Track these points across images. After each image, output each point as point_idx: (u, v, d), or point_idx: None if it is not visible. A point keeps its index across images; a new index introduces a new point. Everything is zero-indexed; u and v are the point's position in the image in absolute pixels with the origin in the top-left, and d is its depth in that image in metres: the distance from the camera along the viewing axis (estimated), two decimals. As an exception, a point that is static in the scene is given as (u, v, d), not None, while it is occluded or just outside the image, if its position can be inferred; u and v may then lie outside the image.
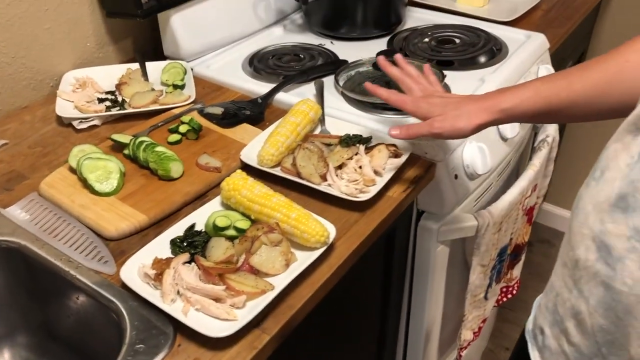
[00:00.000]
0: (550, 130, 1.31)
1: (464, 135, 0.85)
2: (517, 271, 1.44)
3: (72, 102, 1.12)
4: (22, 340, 0.91)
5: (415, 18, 1.51)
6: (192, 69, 1.26)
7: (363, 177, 0.91)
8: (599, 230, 0.60)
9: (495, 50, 1.32)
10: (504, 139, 1.18)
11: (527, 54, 1.30)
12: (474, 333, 1.38)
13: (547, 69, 1.32)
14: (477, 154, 1.07)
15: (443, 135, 0.85)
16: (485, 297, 1.30)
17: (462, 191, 1.07)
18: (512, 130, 1.17)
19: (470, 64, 1.28)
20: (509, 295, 1.46)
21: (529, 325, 0.79)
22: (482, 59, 1.29)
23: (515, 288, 1.47)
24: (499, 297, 1.44)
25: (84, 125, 1.09)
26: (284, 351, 0.76)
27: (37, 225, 0.87)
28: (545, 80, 0.83)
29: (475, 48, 1.32)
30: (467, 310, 1.28)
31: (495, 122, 0.84)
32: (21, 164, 1.00)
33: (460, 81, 1.19)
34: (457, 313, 1.34)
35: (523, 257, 1.43)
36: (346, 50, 1.34)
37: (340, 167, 0.94)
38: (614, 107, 0.77)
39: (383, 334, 1.25)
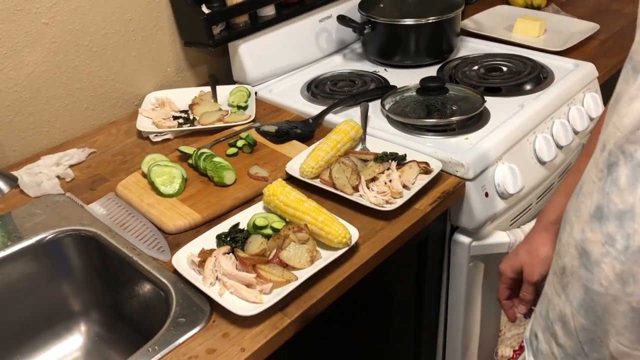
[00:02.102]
0: (596, 156, 1.34)
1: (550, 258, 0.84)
2: (562, 294, 1.46)
3: (151, 118, 1.30)
4: (95, 317, 1.08)
5: (469, 47, 1.59)
6: (256, 93, 1.41)
7: (391, 189, 1.01)
8: (580, 239, 0.67)
9: (542, 78, 1.38)
10: (541, 161, 1.23)
11: (572, 82, 1.35)
12: (514, 351, 1.42)
13: (593, 96, 1.36)
14: (508, 174, 1.13)
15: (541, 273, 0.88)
16: (525, 316, 1.34)
17: (493, 209, 1.14)
18: (548, 153, 1.22)
19: (516, 90, 1.34)
20: (555, 318, 1.48)
21: (527, 333, 0.84)
22: (528, 86, 1.35)
23: (562, 311, 1.48)
24: (544, 319, 1.46)
25: (159, 139, 1.26)
26: (312, 343, 0.87)
27: (112, 219, 1.03)
28: (567, 178, 0.88)
29: (521, 76, 1.38)
30: (504, 327, 1.32)
31: (556, 234, 0.81)
32: (104, 169, 1.18)
33: (502, 105, 1.27)
34: (498, 329, 1.39)
35: (569, 281, 1.45)
36: (398, 77, 1.44)
37: (373, 180, 1.04)
38: None
39: (419, 345, 1.31)
